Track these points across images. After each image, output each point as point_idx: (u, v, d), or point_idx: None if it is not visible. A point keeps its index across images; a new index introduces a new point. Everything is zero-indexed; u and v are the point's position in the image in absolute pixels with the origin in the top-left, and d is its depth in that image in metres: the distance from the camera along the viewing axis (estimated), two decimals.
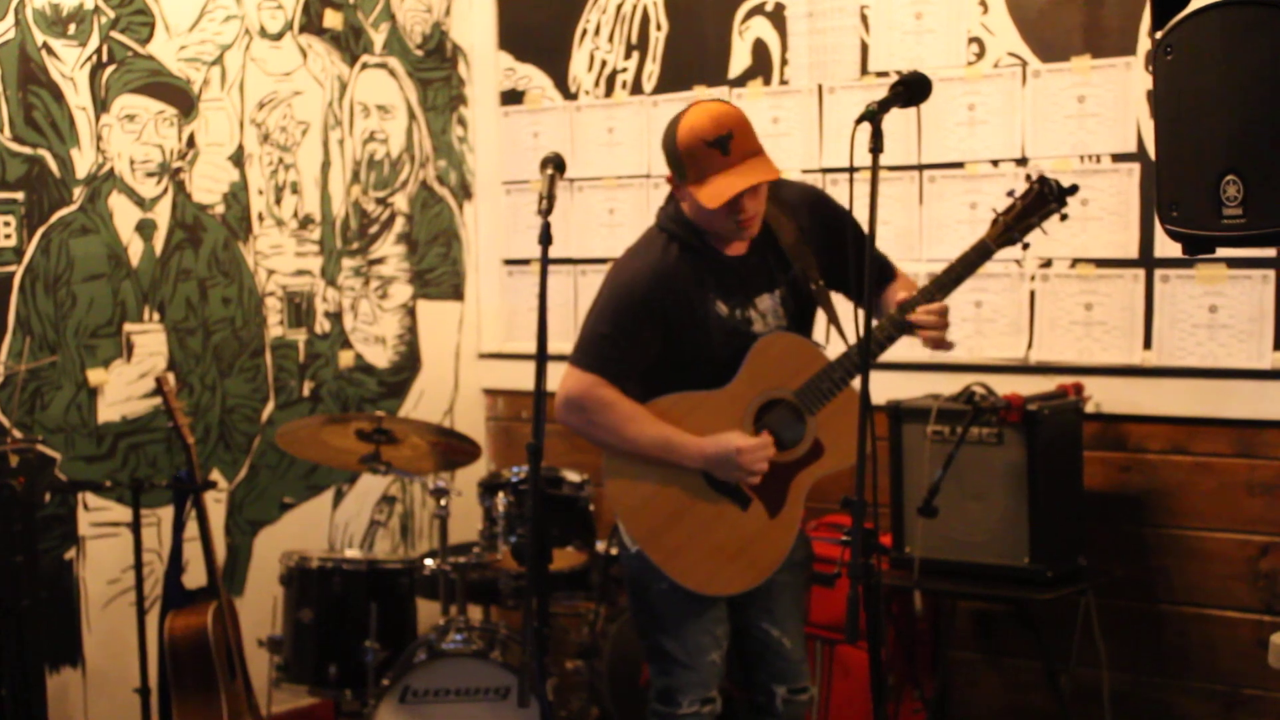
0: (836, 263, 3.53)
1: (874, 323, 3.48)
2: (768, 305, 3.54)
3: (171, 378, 4.62)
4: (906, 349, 4.60)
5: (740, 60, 4.96)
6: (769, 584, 3.64)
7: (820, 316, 3.65)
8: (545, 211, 3.11)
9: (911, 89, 3.03)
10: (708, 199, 3.34)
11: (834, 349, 3.60)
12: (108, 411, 4.56)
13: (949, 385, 4.22)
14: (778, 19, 4.88)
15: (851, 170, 2.92)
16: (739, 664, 3.76)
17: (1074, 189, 3.49)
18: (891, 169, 4.60)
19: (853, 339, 3.45)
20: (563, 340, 5.10)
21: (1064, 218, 3.51)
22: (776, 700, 3.68)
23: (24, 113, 4.35)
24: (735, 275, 3.51)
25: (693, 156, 3.36)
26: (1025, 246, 3.52)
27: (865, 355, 2.93)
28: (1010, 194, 3.50)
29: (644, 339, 3.47)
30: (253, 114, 4.95)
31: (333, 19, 5.17)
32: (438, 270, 5.56)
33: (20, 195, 4.35)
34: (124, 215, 4.60)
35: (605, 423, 3.47)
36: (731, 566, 3.55)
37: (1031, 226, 3.47)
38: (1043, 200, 3.46)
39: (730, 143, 3.34)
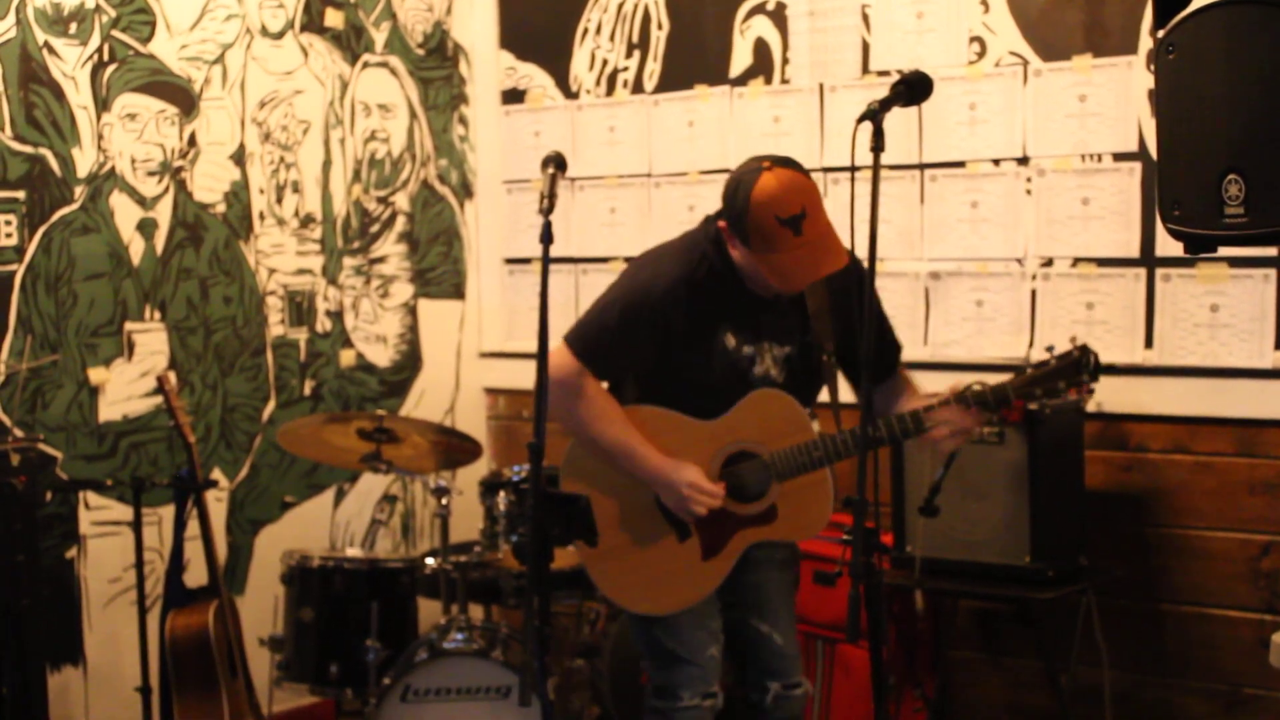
0: (852, 342, 3.51)
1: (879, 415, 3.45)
2: (775, 354, 3.52)
3: (173, 376, 4.62)
4: (907, 347, 4.60)
5: (741, 59, 4.96)
6: (756, 583, 3.65)
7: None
8: (546, 210, 3.11)
9: (913, 88, 3.03)
10: (776, 278, 3.33)
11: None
12: (109, 410, 4.56)
13: (949, 385, 4.22)
14: (779, 18, 4.88)
15: (853, 169, 2.92)
16: (732, 661, 3.76)
17: (1110, 368, 3.43)
18: (892, 168, 4.60)
19: (844, 422, 3.45)
20: None
21: (1090, 392, 3.45)
22: (770, 696, 3.67)
23: (25, 112, 4.35)
24: (753, 314, 3.49)
25: (761, 229, 3.30)
26: (1041, 406, 3.47)
27: (868, 361, 2.92)
28: (1049, 350, 3.45)
29: (641, 343, 3.47)
30: (254, 113, 4.95)
31: (334, 18, 5.17)
32: (439, 269, 5.56)
33: (21, 194, 4.35)
34: (125, 214, 4.60)
35: (577, 411, 3.47)
36: (647, 588, 3.56)
37: (1056, 391, 3.39)
38: (1076, 369, 3.37)
39: (803, 222, 3.29)
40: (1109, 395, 4.28)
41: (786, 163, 3.38)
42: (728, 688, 3.80)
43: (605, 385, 3.56)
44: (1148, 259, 4.26)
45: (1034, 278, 4.44)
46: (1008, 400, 3.39)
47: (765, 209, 3.29)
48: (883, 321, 3.62)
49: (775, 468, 3.48)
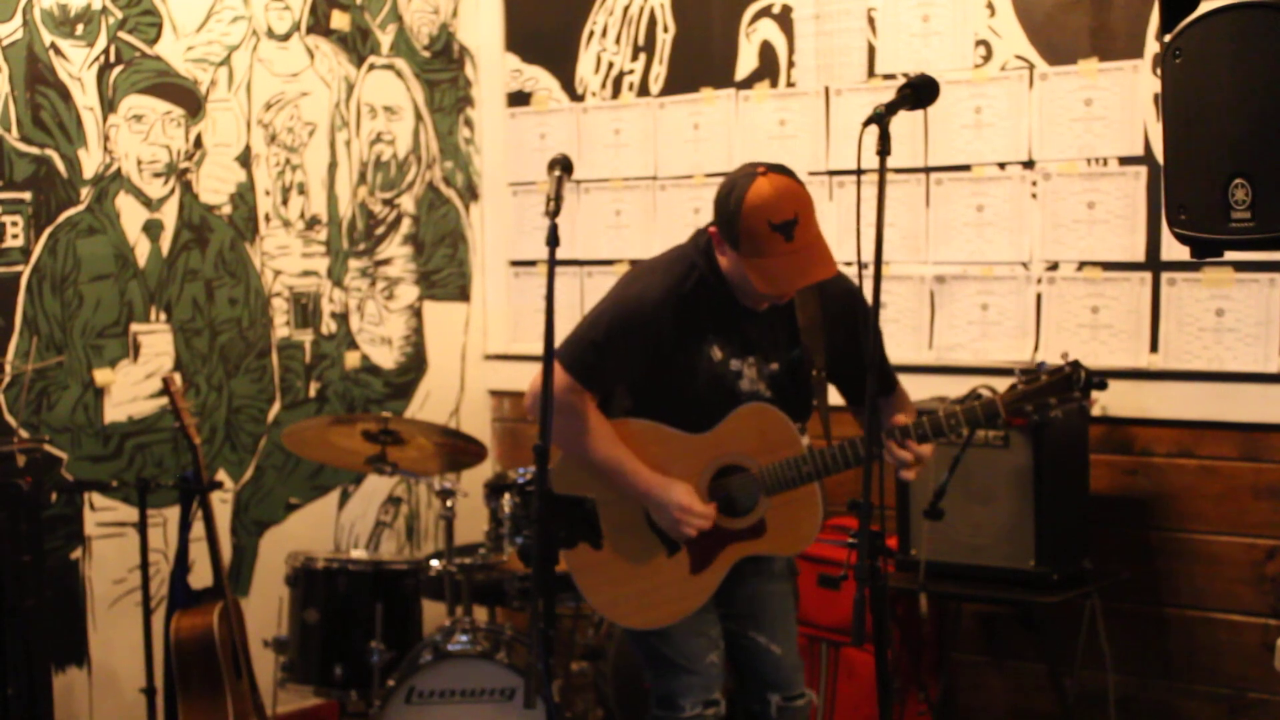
0: (844, 360, 3.51)
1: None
2: (763, 370, 3.51)
3: (178, 378, 4.62)
4: (912, 350, 4.62)
5: (747, 62, 4.97)
6: (751, 595, 3.64)
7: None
8: (553, 213, 3.11)
9: (919, 91, 3.02)
10: (763, 282, 3.30)
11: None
12: (114, 411, 4.56)
13: (955, 388, 4.21)
14: (785, 21, 4.88)
15: (859, 173, 2.92)
16: (733, 673, 3.75)
17: (1103, 385, 3.39)
18: (898, 171, 4.60)
19: (833, 429, 3.46)
20: None
21: (1084, 409, 3.38)
22: (771, 708, 3.65)
23: (31, 113, 4.36)
24: (741, 326, 3.49)
25: (752, 234, 3.28)
26: (1036, 420, 3.41)
27: (873, 367, 2.93)
28: (1039, 366, 3.43)
29: (631, 357, 3.46)
30: (260, 115, 4.95)
31: (340, 20, 5.18)
32: (444, 271, 5.56)
33: (28, 195, 4.36)
34: (131, 215, 4.61)
35: (567, 426, 3.46)
36: (636, 602, 3.55)
37: (1047, 407, 3.35)
38: (1067, 385, 3.34)
39: (795, 229, 3.27)
40: (1114, 399, 4.28)
41: (781, 170, 3.36)
42: (731, 694, 3.79)
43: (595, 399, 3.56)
44: (1153, 263, 4.26)
45: (1039, 281, 4.44)
46: (997, 416, 3.38)
47: (758, 213, 3.28)
48: (884, 359, 3.61)
49: (764, 482, 3.47)
